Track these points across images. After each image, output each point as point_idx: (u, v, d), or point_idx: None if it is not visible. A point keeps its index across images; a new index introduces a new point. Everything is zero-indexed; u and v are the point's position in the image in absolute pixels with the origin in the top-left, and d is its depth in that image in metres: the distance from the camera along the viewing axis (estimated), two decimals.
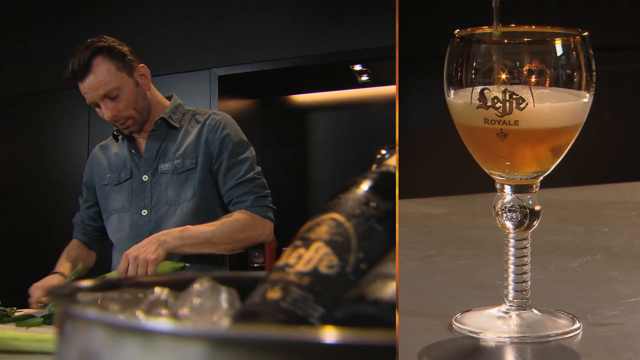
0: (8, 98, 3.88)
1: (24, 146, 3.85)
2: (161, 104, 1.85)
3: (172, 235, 1.62)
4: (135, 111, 1.76)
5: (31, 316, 1.43)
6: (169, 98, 1.89)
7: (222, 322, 0.47)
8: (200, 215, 1.74)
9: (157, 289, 0.52)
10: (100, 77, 1.69)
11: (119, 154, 1.86)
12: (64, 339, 0.41)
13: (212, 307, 0.47)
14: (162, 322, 0.37)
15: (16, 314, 1.50)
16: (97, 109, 1.76)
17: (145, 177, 1.80)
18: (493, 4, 0.66)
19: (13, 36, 3.95)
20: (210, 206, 1.78)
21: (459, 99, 0.65)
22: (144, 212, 1.77)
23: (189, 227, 1.66)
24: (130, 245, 1.75)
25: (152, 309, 0.50)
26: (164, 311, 0.50)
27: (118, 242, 1.83)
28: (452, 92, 0.66)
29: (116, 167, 1.85)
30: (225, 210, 1.80)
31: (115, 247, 1.86)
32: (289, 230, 0.96)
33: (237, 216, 1.72)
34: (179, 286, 0.51)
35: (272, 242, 3.48)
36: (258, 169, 1.81)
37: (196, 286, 0.49)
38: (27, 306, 1.60)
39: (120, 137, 1.87)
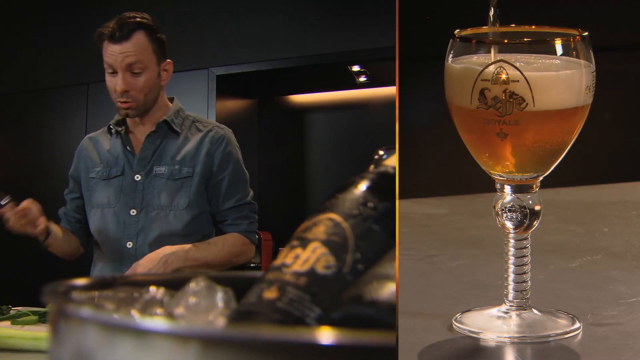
0: (6, 95, 3.87)
1: (22, 144, 3.84)
2: (165, 105, 1.85)
3: (176, 255, 1.66)
4: (144, 98, 1.75)
5: (26, 314, 1.43)
6: (171, 100, 1.88)
7: (218, 322, 0.47)
8: (192, 227, 1.76)
9: (152, 288, 0.51)
10: (135, 48, 1.70)
11: (111, 150, 1.83)
12: (58, 337, 0.40)
13: (207, 307, 0.47)
14: (155, 322, 0.36)
15: (11, 312, 1.49)
16: (108, 77, 1.73)
17: (137, 177, 1.78)
18: (491, 2, 0.66)
19: (12, 33, 3.94)
20: (202, 218, 1.79)
21: (459, 99, 0.65)
22: (133, 212, 1.76)
23: (193, 247, 1.70)
24: (115, 241, 1.75)
25: (147, 308, 0.50)
26: (159, 310, 0.49)
27: (101, 238, 1.80)
28: (451, 90, 0.66)
29: (107, 162, 1.82)
30: (213, 225, 1.83)
31: (96, 242, 1.83)
32: (285, 231, 0.96)
33: (234, 241, 1.78)
34: (174, 285, 0.51)
35: (269, 241, 3.48)
36: (252, 192, 1.85)
37: (192, 285, 0.48)
38: (22, 304, 1.59)
39: (114, 132, 1.84)
